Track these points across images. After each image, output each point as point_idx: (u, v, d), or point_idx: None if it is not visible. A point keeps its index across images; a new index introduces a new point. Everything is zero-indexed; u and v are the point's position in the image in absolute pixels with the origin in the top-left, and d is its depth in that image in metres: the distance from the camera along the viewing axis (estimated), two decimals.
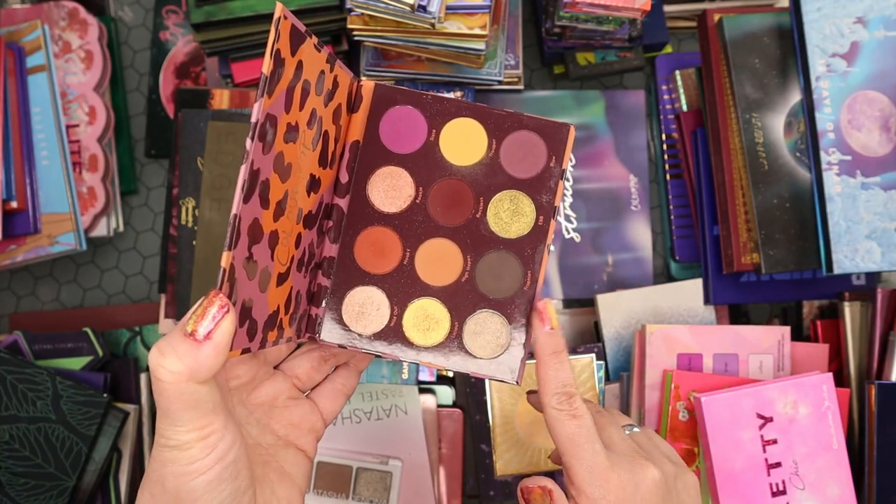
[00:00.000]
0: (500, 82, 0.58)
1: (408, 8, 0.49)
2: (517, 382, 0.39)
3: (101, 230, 0.62)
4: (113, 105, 0.65)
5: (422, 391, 0.60)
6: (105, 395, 0.54)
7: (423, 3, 0.49)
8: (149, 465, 0.31)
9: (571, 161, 0.64)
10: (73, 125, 0.62)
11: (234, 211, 0.29)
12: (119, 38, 0.67)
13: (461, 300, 0.40)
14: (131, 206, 0.66)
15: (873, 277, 0.61)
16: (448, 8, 0.51)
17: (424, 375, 0.61)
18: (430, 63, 0.58)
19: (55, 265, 0.65)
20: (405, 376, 0.60)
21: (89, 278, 0.65)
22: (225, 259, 0.29)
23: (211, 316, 0.28)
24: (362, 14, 0.52)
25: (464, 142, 0.42)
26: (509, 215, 0.41)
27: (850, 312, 0.57)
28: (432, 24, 0.50)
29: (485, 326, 0.40)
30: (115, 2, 0.68)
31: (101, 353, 0.57)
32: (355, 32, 0.54)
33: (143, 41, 0.68)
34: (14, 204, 0.58)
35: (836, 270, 0.52)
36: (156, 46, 0.67)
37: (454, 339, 0.40)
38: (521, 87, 0.63)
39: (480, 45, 0.53)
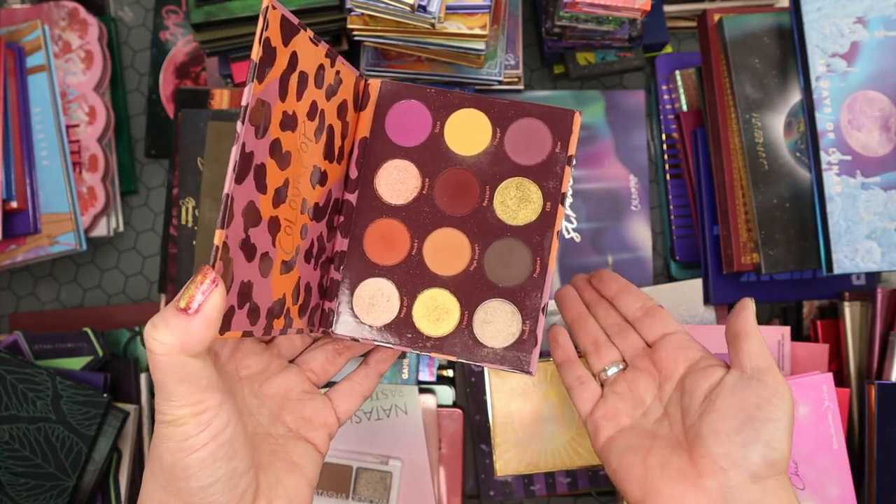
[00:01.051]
0: (500, 82, 0.58)
1: (408, 8, 0.49)
2: (531, 372, 0.39)
3: (101, 230, 0.62)
4: (113, 105, 0.65)
5: (422, 391, 0.60)
6: (105, 395, 0.54)
7: (423, 3, 0.49)
8: (151, 443, 0.32)
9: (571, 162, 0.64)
10: (73, 125, 0.62)
11: (225, 190, 0.30)
12: (119, 38, 0.67)
13: (470, 289, 0.40)
14: (131, 206, 0.66)
15: (873, 277, 0.61)
16: (448, 8, 0.51)
17: (424, 375, 0.61)
18: (430, 63, 0.58)
19: (55, 265, 0.65)
20: (405, 376, 0.60)
21: (89, 278, 0.65)
22: (218, 237, 0.30)
23: (201, 290, 0.29)
24: (362, 14, 0.52)
25: (468, 132, 0.42)
26: (516, 203, 0.41)
27: (850, 312, 0.57)
28: (432, 24, 0.50)
29: (495, 315, 0.40)
30: (115, 2, 0.68)
31: (101, 353, 0.57)
32: (355, 32, 0.54)
33: (143, 41, 0.68)
34: (14, 204, 0.58)
35: (836, 270, 0.52)
36: (156, 46, 0.67)
37: (465, 329, 0.40)
38: (521, 87, 0.63)
39: (480, 45, 0.53)
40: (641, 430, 0.43)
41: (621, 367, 0.46)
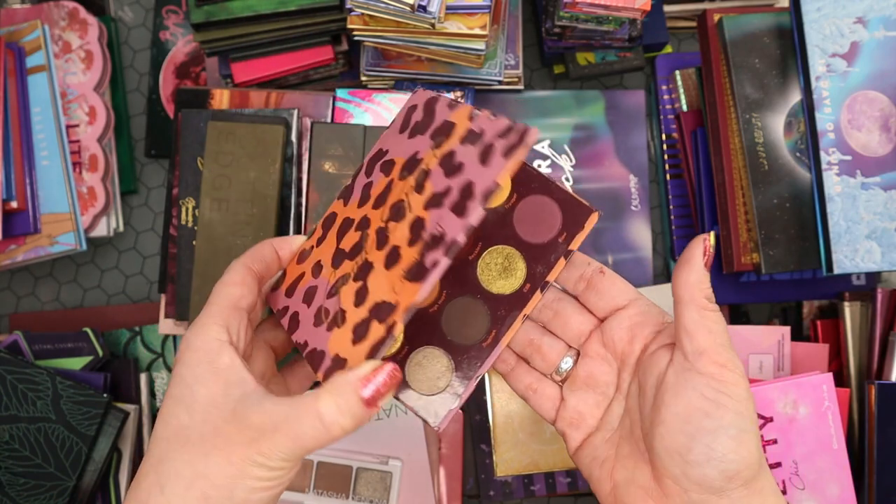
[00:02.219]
0: (500, 82, 0.58)
1: (408, 8, 0.49)
2: (439, 428, 0.39)
3: (101, 230, 0.62)
4: (113, 105, 0.65)
5: None
6: (105, 395, 0.54)
7: (423, 3, 0.49)
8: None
9: (571, 162, 0.64)
10: (73, 125, 0.62)
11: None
12: (119, 38, 0.67)
13: (421, 328, 0.40)
14: (131, 206, 0.66)
15: (873, 277, 0.61)
16: (448, 8, 0.51)
17: None
18: (430, 63, 0.58)
19: (55, 265, 0.65)
20: None
21: (89, 278, 0.65)
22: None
23: (383, 383, 0.32)
24: (362, 14, 0.52)
25: None
26: (498, 271, 0.40)
27: (850, 312, 0.57)
28: (432, 24, 0.50)
29: (430, 363, 0.39)
30: (115, 2, 0.68)
31: (101, 353, 0.57)
32: (355, 32, 0.54)
33: (143, 41, 0.68)
34: (14, 204, 0.58)
35: (836, 270, 0.52)
36: (156, 46, 0.67)
37: (398, 361, 0.39)
38: (521, 87, 0.63)
39: (480, 45, 0.53)
40: (607, 434, 0.39)
41: (573, 357, 0.41)
